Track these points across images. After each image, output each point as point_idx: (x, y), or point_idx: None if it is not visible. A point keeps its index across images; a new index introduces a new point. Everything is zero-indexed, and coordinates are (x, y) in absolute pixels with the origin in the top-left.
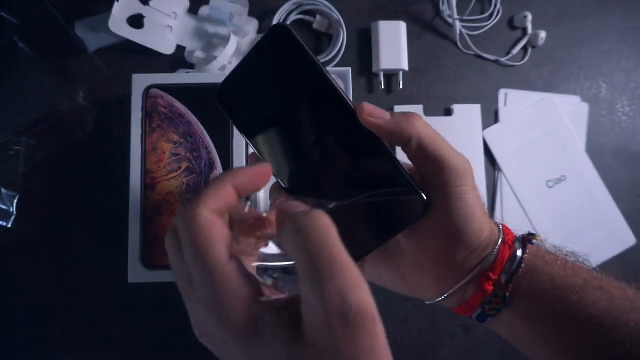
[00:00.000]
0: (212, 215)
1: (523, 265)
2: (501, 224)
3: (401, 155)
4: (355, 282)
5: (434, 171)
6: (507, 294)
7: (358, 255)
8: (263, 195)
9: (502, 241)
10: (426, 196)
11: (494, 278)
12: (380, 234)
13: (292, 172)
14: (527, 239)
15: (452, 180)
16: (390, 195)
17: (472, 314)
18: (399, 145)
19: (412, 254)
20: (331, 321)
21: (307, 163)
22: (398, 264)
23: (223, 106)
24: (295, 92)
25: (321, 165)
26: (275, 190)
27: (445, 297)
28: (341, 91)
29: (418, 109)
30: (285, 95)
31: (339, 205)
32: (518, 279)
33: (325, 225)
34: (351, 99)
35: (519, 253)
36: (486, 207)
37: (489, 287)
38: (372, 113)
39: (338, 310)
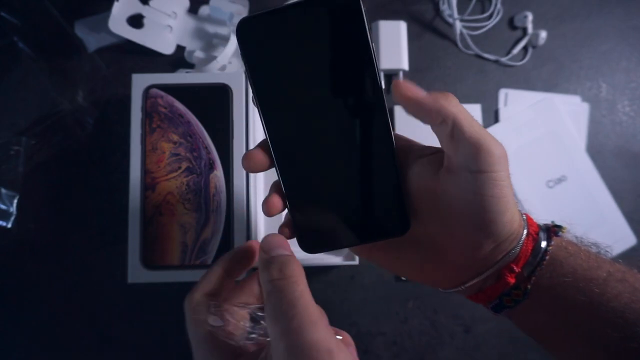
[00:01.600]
0: (202, 297)
1: (547, 257)
2: (524, 214)
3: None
4: (311, 322)
5: (469, 154)
6: (529, 286)
7: (334, 246)
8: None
9: (526, 232)
10: (408, 220)
11: (517, 271)
12: (359, 235)
13: (291, 136)
14: (552, 230)
15: (489, 165)
16: (380, 202)
17: (487, 304)
18: (432, 124)
19: (435, 244)
20: (289, 356)
21: (312, 135)
22: (415, 253)
23: (241, 41)
24: (331, 60)
25: (325, 144)
26: (255, 149)
27: (464, 287)
28: (381, 81)
29: None
30: (318, 59)
31: (328, 191)
32: (540, 272)
33: (293, 275)
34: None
35: (543, 245)
36: None
37: (511, 280)
38: (410, 88)
39: (295, 344)
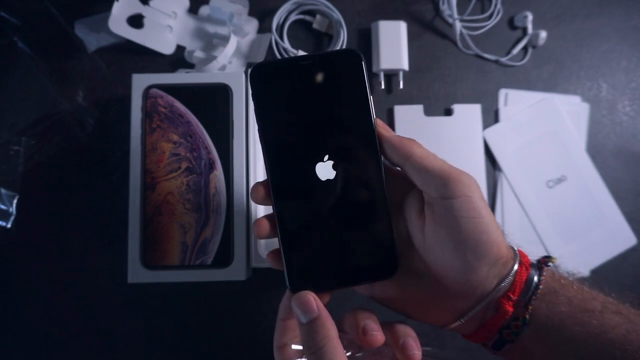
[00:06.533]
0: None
1: (541, 287)
2: (517, 248)
3: None
4: None
5: (439, 185)
6: (527, 315)
7: (323, 288)
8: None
9: (519, 262)
10: (397, 263)
11: (514, 298)
12: (348, 278)
13: (290, 177)
14: (542, 262)
15: (459, 191)
16: (371, 246)
17: (487, 341)
18: (399, 161)
19: (432, 274)
20: None
21: (310, 179)
22: (415, 285)
23: (252, 84)
24: (334, 114)
25: (323, 189)
26: (259, 185)
27: (465, 320)
28: (376, 133)
29: (418, 109)
30: (320, 107)
31: (322, 234)
32: (537, 301)
33: (320, 345)
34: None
35: (536, 274)
36: None
37: (510, 308)
38: (384, 127)
39: None
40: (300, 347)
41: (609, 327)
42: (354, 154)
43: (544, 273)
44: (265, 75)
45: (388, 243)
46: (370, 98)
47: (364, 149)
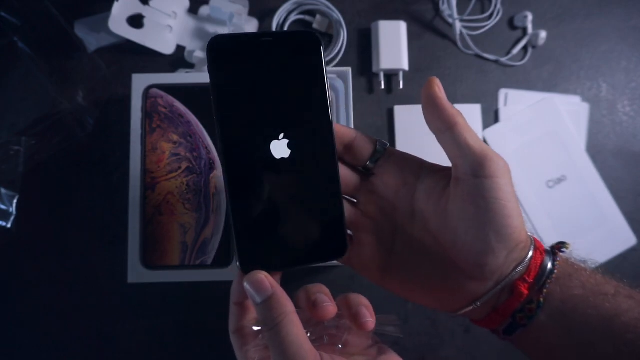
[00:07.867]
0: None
1: (556, 271)
2: (531, 235)
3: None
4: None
5: (475, 162)
6: (542, 298)
7: (272, 268)
8: None
9: (534, 248)
10: (345, 245)
11: (530, 281)
12: (298, 258)
13: (243, 154)
14: (556, 247)
15: (493, 171)
16: (321, 227)
17: (499, 326)
18: (439, 127)
19: (447, 257)
20: None
21: (263, 156)
22: (428, 269)
23: (210, 57)
24: (291, 93)
25: (275, 167)
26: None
27: (480, 303)
28: (331, 114)
29: (418, 109)
30: (277, 86)
31: (273, 213)
32: (551, 284)
33: (282, 308)
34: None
35: (550, 260)
36: None
37: (525, 290)
38: (440, 87)
39: None
40: (258, 328)
41: (622, 311)
42: (309, 134)
43: (558, 258)
44: (225, 47)
45: (338, 224)
46: (327, 81)
47: (319, 130)
